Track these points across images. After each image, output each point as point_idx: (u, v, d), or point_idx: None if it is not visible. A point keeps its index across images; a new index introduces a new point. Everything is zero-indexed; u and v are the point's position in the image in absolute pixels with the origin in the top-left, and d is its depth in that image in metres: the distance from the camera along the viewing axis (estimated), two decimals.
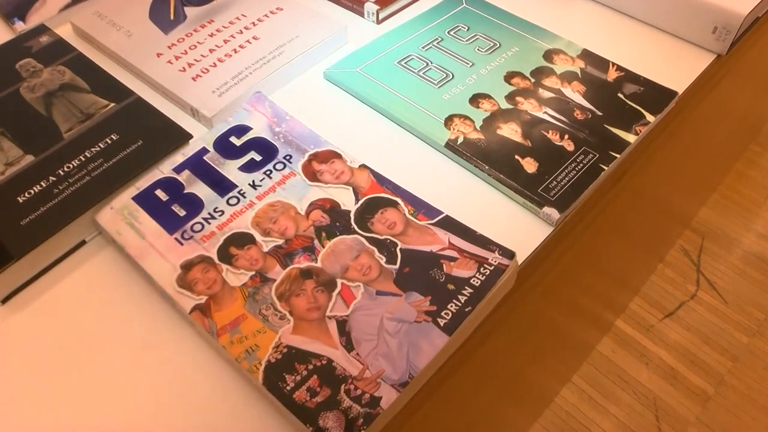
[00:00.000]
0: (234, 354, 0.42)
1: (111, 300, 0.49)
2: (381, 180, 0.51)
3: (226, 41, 0.67)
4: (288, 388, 0.40)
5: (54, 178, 0.55)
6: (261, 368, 0.41)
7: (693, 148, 0.88)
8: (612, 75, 0.62)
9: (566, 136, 0.56)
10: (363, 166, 0.52)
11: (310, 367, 0.41)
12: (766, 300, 1.37)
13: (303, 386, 0.40)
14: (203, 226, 0.49)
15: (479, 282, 0.45)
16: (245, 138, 0.55)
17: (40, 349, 0.47)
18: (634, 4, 0.70)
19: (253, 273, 0.46)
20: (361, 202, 0.50)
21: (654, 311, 1.37)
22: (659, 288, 1.40)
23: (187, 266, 0.47)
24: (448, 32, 0.67)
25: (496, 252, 0.46)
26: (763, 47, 0.79)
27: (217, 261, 0.47)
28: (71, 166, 0.55)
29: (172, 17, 0.71)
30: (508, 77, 0.61)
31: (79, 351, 0.46)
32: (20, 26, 0.74)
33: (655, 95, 0.60)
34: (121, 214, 0.51)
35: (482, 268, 0.45)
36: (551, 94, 0.60)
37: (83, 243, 0.53)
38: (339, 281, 0.45)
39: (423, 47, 0.65)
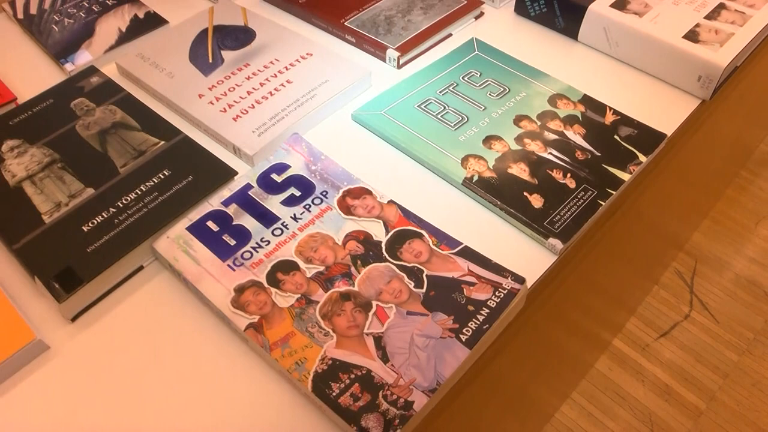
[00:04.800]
0: (285, 366, 0.49)
1: (169, 319, 0.56)
2: (407, 214, 0.58)
3: (262, 84, 0.74)
4: (334, 394, 0.47)
5: (114, 210, 0.61)
6: (310, 378, 0.48)
7: (683, 181, 0.95)
8: (609, 118, 0.69)
9: (568, 175, 0.63)
10: (391, 202, 0.59)
11: (352, 376, 0.48)
12: (755, 320, 1.44)
13: (347, 392, 0.47)
14: (252, 254, 0.56)
15: (495, 304, 0.52)
16: (285, 175, 0.62)
17: (106, 362, 0.53)
18: (629, 53, 0.78)
19: (299, 296, 0.53)
20: (390, 233, 0.57)
21: (649, 331, 1.43)
22: (654, 309, 1.47)
23: (240, 290, 0.54)
24: (463, 77, 0.74)
25: (509, 278, 0.53)
26: (743, 91, 0.87)
27: (266, 285, 0.54)
28: (129, 198, 0.62)
29: (210, 60, 0.78)
30: (517, 120, 0.69)
31: (141, 364, 0.53)
32: (69, 67, 0.81)
33: (647, 137, 0.67)
34: (176, 242, 0.58)
35: (497, 292, 0.52)
36: (555, 136, 0.67)
37: (141, 268, 0.60)
38: (374, 303, 0.52)
39: (440, 92, 0.72)
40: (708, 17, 0.77)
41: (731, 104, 0.84)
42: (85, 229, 0.60)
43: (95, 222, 0.60)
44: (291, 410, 0.49)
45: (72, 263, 0.57)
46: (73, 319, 0.56)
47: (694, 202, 1.31)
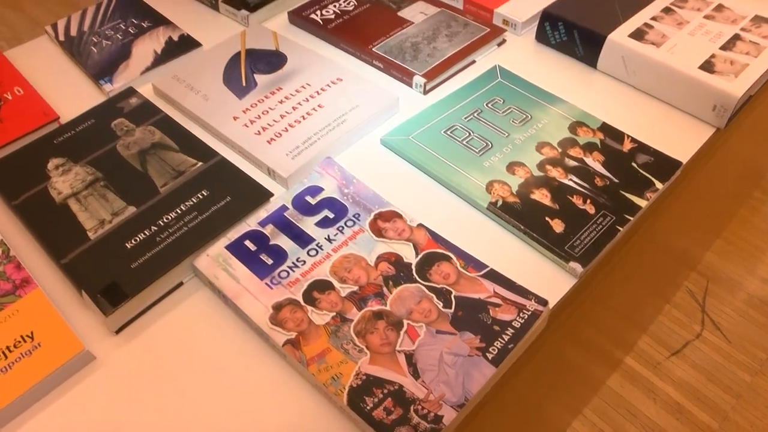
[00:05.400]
0: (322, 380, 0.52)
1: (209, 333, 0.59)
2: (436, 237, 0.61)
3: (294, 108, 0.77)
4: (368, 408, 0.50)
5: (155, 228, 0.65)
6: (345, 392, 0.51)
7: (697, 205, 0.98)
8: (627, 146, 0.72)
9: (588, 201, 0.66)
10: (420, 225, 0.62)
11: (385, 391, 0.51)
12: (767, 341, 1.46)
13: (380, 406, 0.50)
14: (288, 273, 0.59)
15: (519, 324, 0.55)
16: (319, 197, 0.66)
17: (149, 373, 0.57)
18: (646, 82, 0.81)
19: (334, 314, 0.56)
20: (420, 256, 0.60)
21: (661, 349, 1.45)
22: (666, 327, 1.49)
23: (277, 307, 0.57)
24: (486, 104, 0.77)
25: (533, 300, 0.56)
26: (757, 119, 0.90)
27: (303, 303, 0.57)
28: (170, 217, 0.66)
29: (244, 84, 0.82)
30: (539, 147, 0.72)
31: (183, 375, 0.56)
32: (108, 87, 0.85)
33: (663, 164, 0.70)
34: (216, 260, 0.61)
35: (521, 313, 0.55)
36: (575, 163, 0.70)
37: (181, 284, 0.63)
38: (405, 322, 0.55)
39: (465, 118, 0.76)
40: (723, 48, 0.80)
41: (745, 132, 0.87)
42: (128, 246, 0.63)
43: (138, 239, 0.64)
44: (327, 423, 0.52)
45: (117, 278, 0.60)
46: (118, 332, 0.60)
47: (707, 224, 1.33)
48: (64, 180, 0.70)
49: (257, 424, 0.53)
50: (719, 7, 0.86)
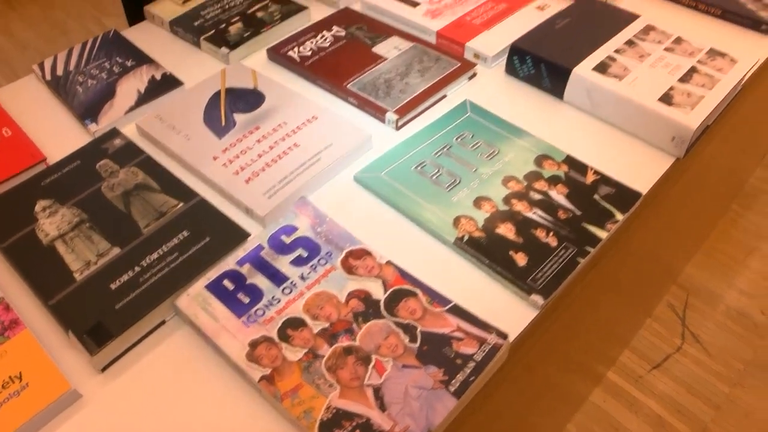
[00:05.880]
0: (295, 414, 0.55)
1: (190, 369, 0.62)
2: (403, 274, 0.65)
3: (271, 147, 0.81)
4: None
5: (139, 269, 0.68)
6: (316, 425, 0.54)
7: (665, 230, 1.01)
8: (590, 178, 0.76)
9: (551, 234, 0.69)
10: (389, 263, 0.66)
11: (354, 423, 0.54)
12: (745, 352, 1.50)
13: None
14: (264, 311, 0.62)
15: (480, 357, 0.58)
16: (293, 236, 0.69)
17: (133, 410, 0.59)
18: (609, 113, 0.84)
19: (307, 350, 0.59)
20: (388, 292, 0.63)
21: (642, 363, 1.49)
22: (647, 341, 1.53)
23: (253, 344, 0.60)
24: (456, 139, 0.81)
25: (493, 334, 0.60)
26: (716, 147, 0.93)
27: (277, 340, 0.60)
28: (152, 258, 0.69)
29: (223, 123, 0.85)
30: (505, 181, 0.75)
31: (166, 411, 0.59)
32: (93, 127, 0.88)
33: (625, 195, 0.74)
34: (196, 300, 0.64)
35: (482, 346, 0.59)
36: (540, 196, 0.73)
37: (163, 322, 0.66)
38: (373, 357, 0.58)
39: (435, 153, 0.79)
40: (681, 80, 0.83)
41: (705, 160, 0.91)
42: (112, 287, 0.66)
43: (122, 280, 0.67)
44: None
45: (102, 319, 0.63)
46: (103, 370, 0.63)
47: (684, 241, 1.37)
48: (51, 222, 0.73)
49: None
50: (678, 40, 0.90)
